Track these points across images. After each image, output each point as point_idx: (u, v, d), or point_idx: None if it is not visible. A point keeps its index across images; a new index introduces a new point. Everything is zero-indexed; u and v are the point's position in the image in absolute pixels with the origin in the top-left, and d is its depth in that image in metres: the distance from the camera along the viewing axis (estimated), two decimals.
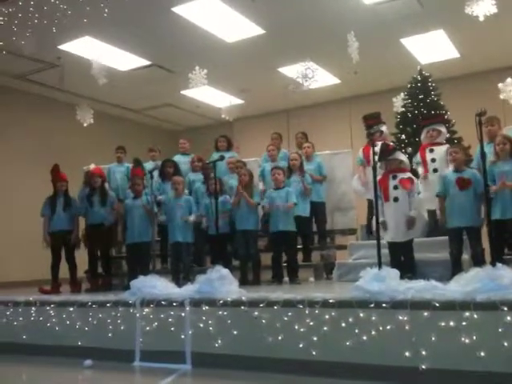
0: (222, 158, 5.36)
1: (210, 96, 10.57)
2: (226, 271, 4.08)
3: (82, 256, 6.22)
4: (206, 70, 6.65)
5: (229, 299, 3.79)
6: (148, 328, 4.10)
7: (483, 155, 3.64)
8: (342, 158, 7.38)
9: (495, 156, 4.81)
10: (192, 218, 5.79)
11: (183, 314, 3.94)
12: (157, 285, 4.24)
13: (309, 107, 11.07)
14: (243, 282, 5.38)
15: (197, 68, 6.79)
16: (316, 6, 7.24)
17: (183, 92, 10.18)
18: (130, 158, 7.24)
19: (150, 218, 5.74)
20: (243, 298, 3.76)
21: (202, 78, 6.62)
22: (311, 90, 9.32)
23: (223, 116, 8.77)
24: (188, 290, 4.09)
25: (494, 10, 5.96)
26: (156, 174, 6.37)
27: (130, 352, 4.11)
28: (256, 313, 3.63)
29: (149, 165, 6.89)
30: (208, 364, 3.77)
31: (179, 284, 4.61)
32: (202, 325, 3.87)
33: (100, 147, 9.35)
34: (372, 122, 6.02)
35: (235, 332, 3.72)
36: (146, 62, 8.98)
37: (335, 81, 10.06)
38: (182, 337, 3.90)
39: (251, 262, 5.84)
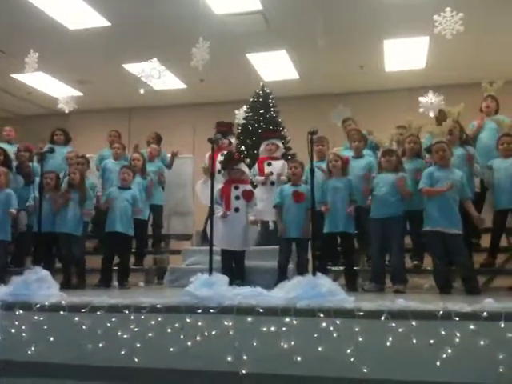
0: (51, 151, 4.99)
1: (45, 83, 9.82)
2: (45, 273, 3.79)
3: None
4: (37, 54, 6.15)
5: (46, 303, 3.51)
6: None
7: (312, 171, 3.87)
8: (184, 163, 7.40)
9: (328, 173, 5.16)
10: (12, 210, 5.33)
11: None
12: None
13: (153, 108, 10.86)
14: (66, 286, 5.06)
15: (31, 51, 6.25)
16: (166, 8, 7.15)
17: (14, 75, 9.32)
18: None
19: None
20: (63, 302, 3.51)
21: (34, 63, 6.11)
22: (156, 91, 9.20)
23: (59, 106, 8.19)
24: (0, 293, 3.70)
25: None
26: None
27: None
28: (76, 318, 3.41)
29: None
30: (18, 373, 3.44)
31: None
32: (13, 330, 3.51)
33: None
34: (224, 128, 6.13)
35: (52, 338, 3.44)
36: None
37: (181, 86, 10.04)
38: None
39: (75, 265, 5.49)
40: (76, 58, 8.65)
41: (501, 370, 2.72)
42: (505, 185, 4.91)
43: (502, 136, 5.16)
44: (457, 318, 2.85)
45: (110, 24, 7.60)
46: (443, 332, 2.84)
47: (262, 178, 5.79)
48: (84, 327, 3.39)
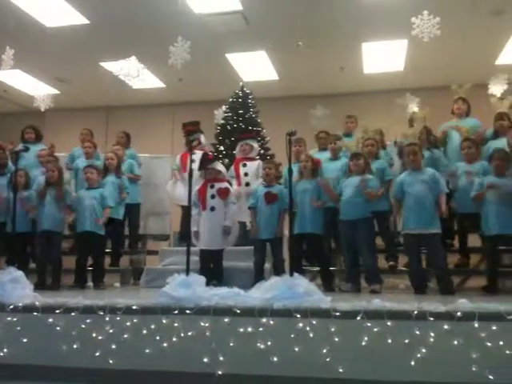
0: (26, 149, 4.91)
1: (22, 81, 9.68)
2: (19, 274, 3.74)
3: None
4: (13, 51, 6.06)
5: (20, 304, 3.45)
6: None
7: (290, 172, 3.88)
8: (161, 163, 7.36)
9: (299, 174, 5.20)
10: None
11: None
12: None
13: (131, 107, 10.79)
14: (40, 286, 4.98)
15: (7, 48, 6.14)
16: (145, 7, 7.12)
17: None
18: None
19: None
20: (37, 303, 3.46)
21: (10, 60, 6.02)
22: (135, 89, 9.13)
23: (36, 105, 8.08)
24: None
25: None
26: None
27: None
28: (51, 319, 3.36)
29: None
30: None
31: None
32: None
33: None
34: (191, 128, 6.09)
35: (25, 340, 3.39)
36: None
37: (160, 84, 9.98)
38: None
39: (52, 265, 5.41)
40: (53, 55, 8.54)
41: (474, 369, 2.77)
42: (467, 190, 4.89)
43: (462, 141, 5.24)
44: (431, 318, 2.89)
45: (88, 22, 7.53)
46: (418, 332, 2.87)
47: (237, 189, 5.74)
48: (58, 328, 3.34)
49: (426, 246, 4.65)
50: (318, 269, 5.23)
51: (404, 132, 5.34)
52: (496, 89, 6.12)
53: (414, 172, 4.76)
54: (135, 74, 6.17)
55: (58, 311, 3.37)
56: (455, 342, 2.82)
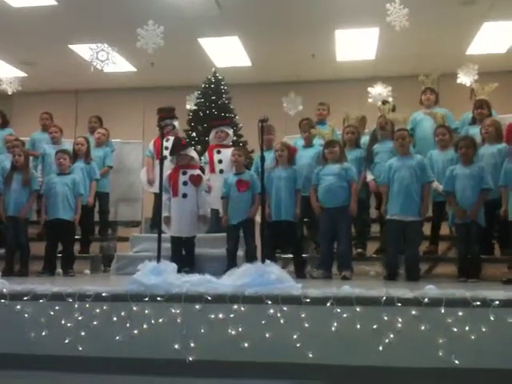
0: None
1: None
2: None
3: None
4: None
5: None
6: None
7: (262, 159, 3.87)
8: (133, 148, 7.28)
9: (275, 162, 5.19)
10: None
11: None
12: None
13: (101, 91, 10.53)
14: (8, 273, 4.90)
15: None
16: None
17: None
18: None
19: None
20: (4, 290, 3.40)
21: None
22: (105, 73, 8.93)
23: (2, 87, 7.86)
24: None
25: None
26: None
27: None
28: (18, 306, 3.31)
29: None
30: None
31: None
32: None
33: None
34: (166, 115, 6.03)
35: None
36: None
37: (131, 68, 9.80)
38: None
39: (19, 251, 5.31)
40: (20, 37, 8.27)
41: (440, 354, 2.84)
42: (442, 177, 4.91)
43: (436, 128, 5.30)
44: (399, 304, 2.95)
45: (56, 3, 7.31)
46: (386, 317, 2.93)
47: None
48: (26, 315, 3.30)
49: (405, 232, 4.69)
50: (290, 256, 5.26)
51: (393, 118, 5.33)
52: (466, 78, 6.21)
53: (402, 157, 4.80)
54: (104, 58, 6.03)
55: (25, 298, 3.33)
56: (422, 328, 2.88)
